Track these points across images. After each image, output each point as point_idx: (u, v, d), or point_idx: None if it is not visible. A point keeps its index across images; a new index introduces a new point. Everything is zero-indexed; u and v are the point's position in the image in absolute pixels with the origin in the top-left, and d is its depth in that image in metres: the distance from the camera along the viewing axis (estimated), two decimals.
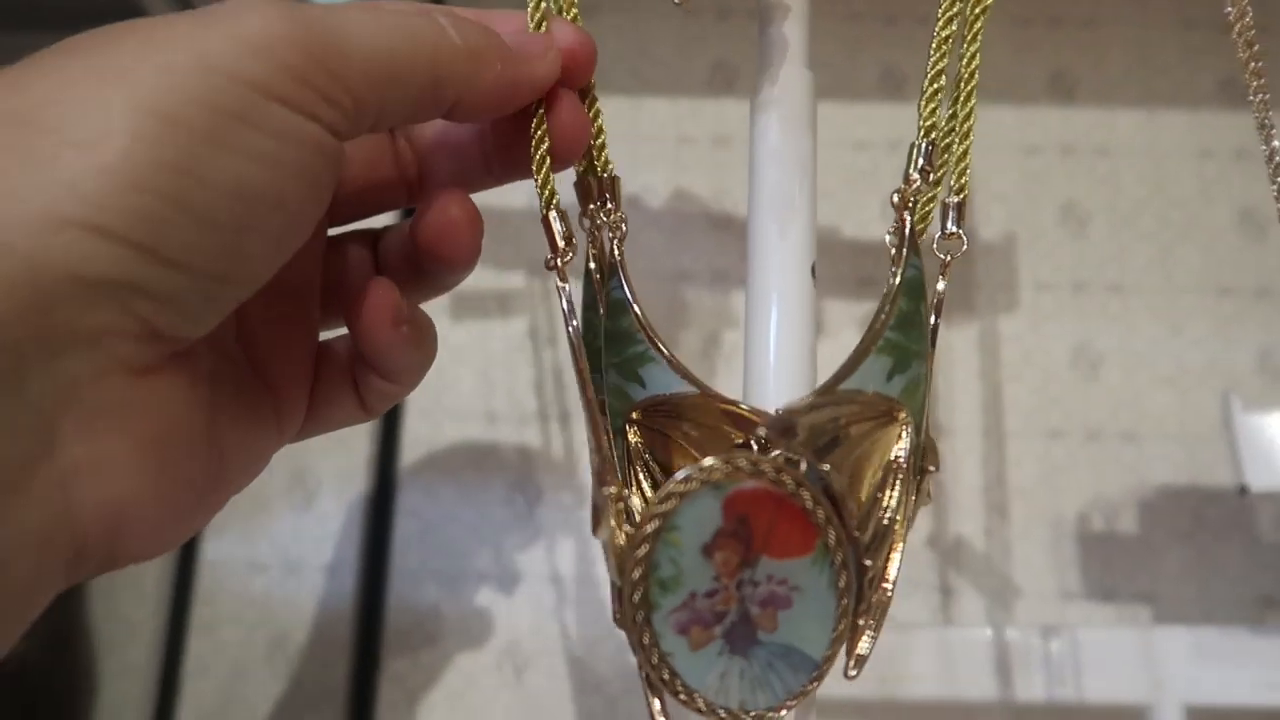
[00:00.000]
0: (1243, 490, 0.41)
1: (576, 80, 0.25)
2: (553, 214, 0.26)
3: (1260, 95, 0.26)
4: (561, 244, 0.26)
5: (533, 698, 0.54)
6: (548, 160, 0.25)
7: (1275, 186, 0.27)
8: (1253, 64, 0.26)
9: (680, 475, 0.21)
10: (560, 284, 0.27)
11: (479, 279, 0.60)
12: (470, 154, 0.26)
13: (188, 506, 0.21)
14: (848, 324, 0.59)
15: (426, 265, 0.25)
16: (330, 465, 0.57)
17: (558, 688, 0.54)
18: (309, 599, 0.55)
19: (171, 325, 0.18)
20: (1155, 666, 0.46)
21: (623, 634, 0.51)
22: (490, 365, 0.59)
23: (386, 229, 0.26)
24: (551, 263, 0.25)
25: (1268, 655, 0.46)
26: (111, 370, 0.17)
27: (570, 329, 0.26)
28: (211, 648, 0.55)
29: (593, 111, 0.28)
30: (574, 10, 0.28)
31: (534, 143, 0.25)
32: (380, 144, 0.25)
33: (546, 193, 0.24)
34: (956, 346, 0.59)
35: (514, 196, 0.62)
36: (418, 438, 0.58)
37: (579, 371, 0.26)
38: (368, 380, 0.26)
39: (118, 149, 0.16)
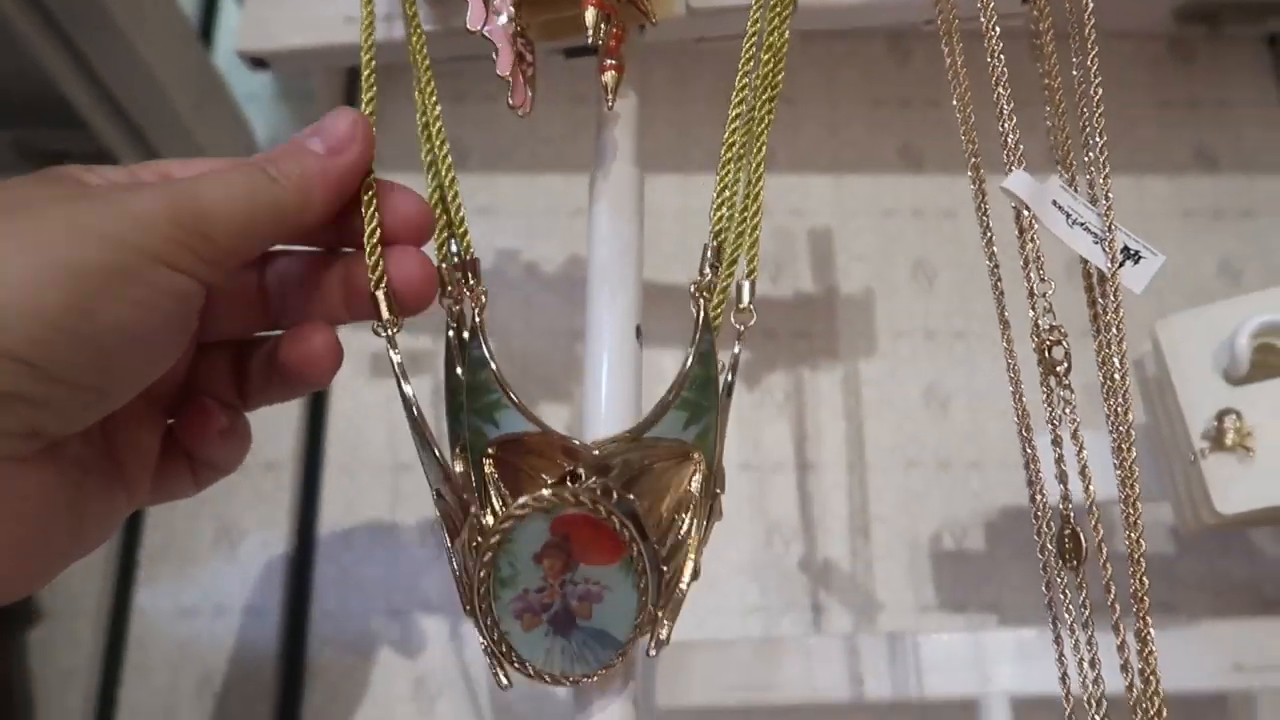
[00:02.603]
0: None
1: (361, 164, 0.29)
2: (380, 293, 0.31)
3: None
4: (388, 317, 0.31)
5: None
6: (378, 238, 0.30)
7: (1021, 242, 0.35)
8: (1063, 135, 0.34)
9: (519, 502, 0.28)
10: (391, 351, 0.32)
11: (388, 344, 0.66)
12: (323, 284, 0.30)
13: (45, 566, 0.26)
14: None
15: (287, 381, 0.30)
16: (253, 516, 0.62)
17: (468, 713, 0.59)
18: (235, 641, 0.60)
19: (51, 427, 0.23)
20: (984, 665, 0.53)
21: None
22: (400, 421, 0.64)
23: (255, 340, 0.31)
24: (381, 332, 0.31)
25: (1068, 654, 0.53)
26: None
27: (403, 391, 0.32)
28: (144, 691, 0.59)
29: (455, 200, 0.35)
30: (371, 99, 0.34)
31: (367, 223, 0.30)
32: (246, 279, 0.30)
33: (377, 274, 0.30)
34: (823, 389, 0.66)
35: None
36: (335, 489, 0.63)
37: (413, 423, 0.32)
38: (197, 466, 0.31)
39: (29, 292, 0.21)
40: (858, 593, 0.62)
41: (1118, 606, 0.30)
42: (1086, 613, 0.31)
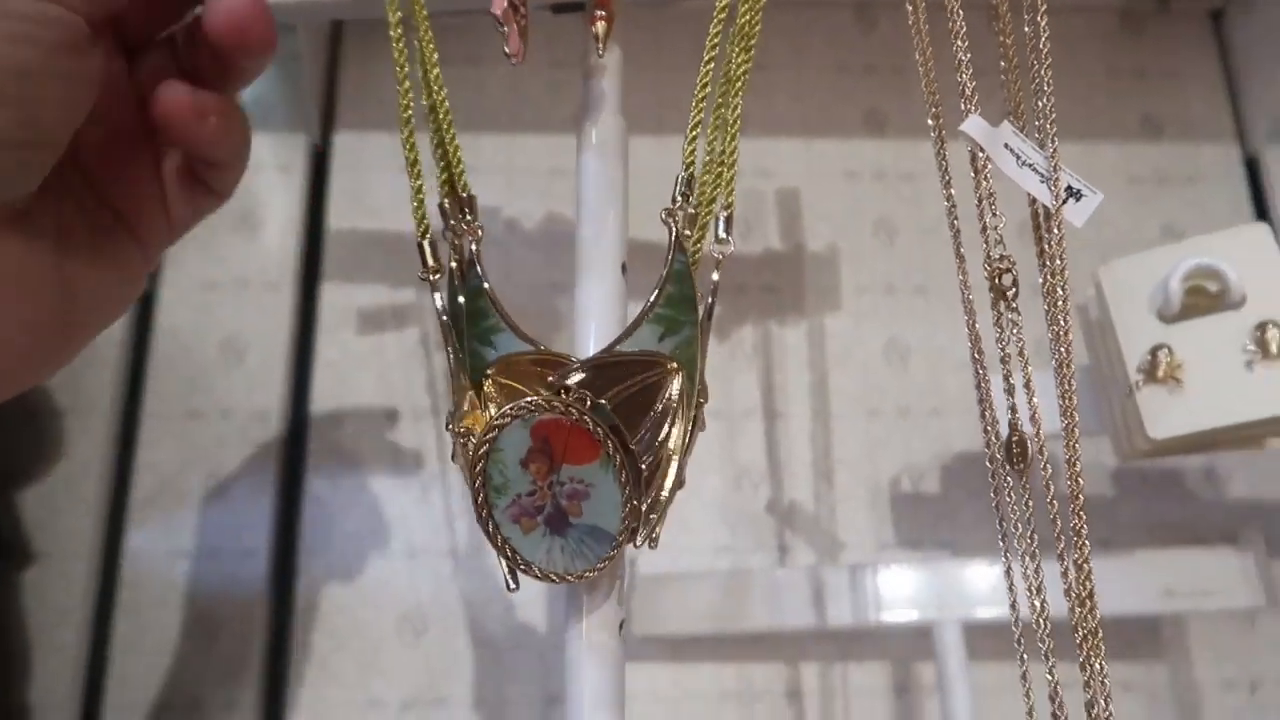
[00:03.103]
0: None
1: None
2: (425, 242, 0.35)
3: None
4: (431, 264, 0.35)
5: (431, 656, 0.62)
6: (424, 199, 0.33)
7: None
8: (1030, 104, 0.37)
9: (498, 413, 0.30)
10: (433, 291, 0.35)
11: (378, 295, 0.69)
12: None
13: (44, 347, 0.26)
14: None
15: (224, 56, 0.28)
16: (243, 463, 0.64)
17: (453, 646, 0.62)
18: (226, 581, 0.62)
19: None
20: (938, 594, 0.56)
21: (508, 596, 0.61)
22: (388, 370, 0.67)
23: (176, 31, 0.30)
24: (424, 276, 0.35)
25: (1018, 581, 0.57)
26: None
27: (440, 320, 0.35)
28: (137, 628, 0.61)
29: (452, 142, 0.37)
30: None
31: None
32: None
33: (421, 226, 0.33)
34: (789, 341, 0.69)
35: (406, 221, 0.71)
36: (322, 435, 0.66)
37: (447, 344, 0.35)
38: (204, 171, 0.29)
39: None
40: (821, 533, 0.65)
41: (1061, 539, 0.33)
42: (1033, 544, 0.34)
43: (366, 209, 0.71)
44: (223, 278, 0.68)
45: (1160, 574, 0.56)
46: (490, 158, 0.72)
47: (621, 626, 0.36)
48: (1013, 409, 0.34)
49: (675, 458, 0.33)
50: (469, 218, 0.37)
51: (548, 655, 0.62)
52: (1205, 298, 0.45)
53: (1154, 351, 0.44)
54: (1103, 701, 0.31)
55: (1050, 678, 0.33)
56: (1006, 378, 0.34)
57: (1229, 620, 0.65)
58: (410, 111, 0.38)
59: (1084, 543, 0.34)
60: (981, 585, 0.57)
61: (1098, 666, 0.32)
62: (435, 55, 0.39)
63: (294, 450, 0.65)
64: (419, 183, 0.37)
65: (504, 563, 0.32)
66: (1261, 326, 0.43)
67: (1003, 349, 0.34)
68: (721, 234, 0.37)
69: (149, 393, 0.65)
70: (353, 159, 0.72)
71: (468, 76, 0.74)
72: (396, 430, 0.66)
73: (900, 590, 0.57)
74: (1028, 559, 0.35)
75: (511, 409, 0.30)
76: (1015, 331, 0.34)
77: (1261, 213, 0.73)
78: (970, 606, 0.56)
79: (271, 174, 0.71)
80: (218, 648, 0.61)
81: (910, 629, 0.57)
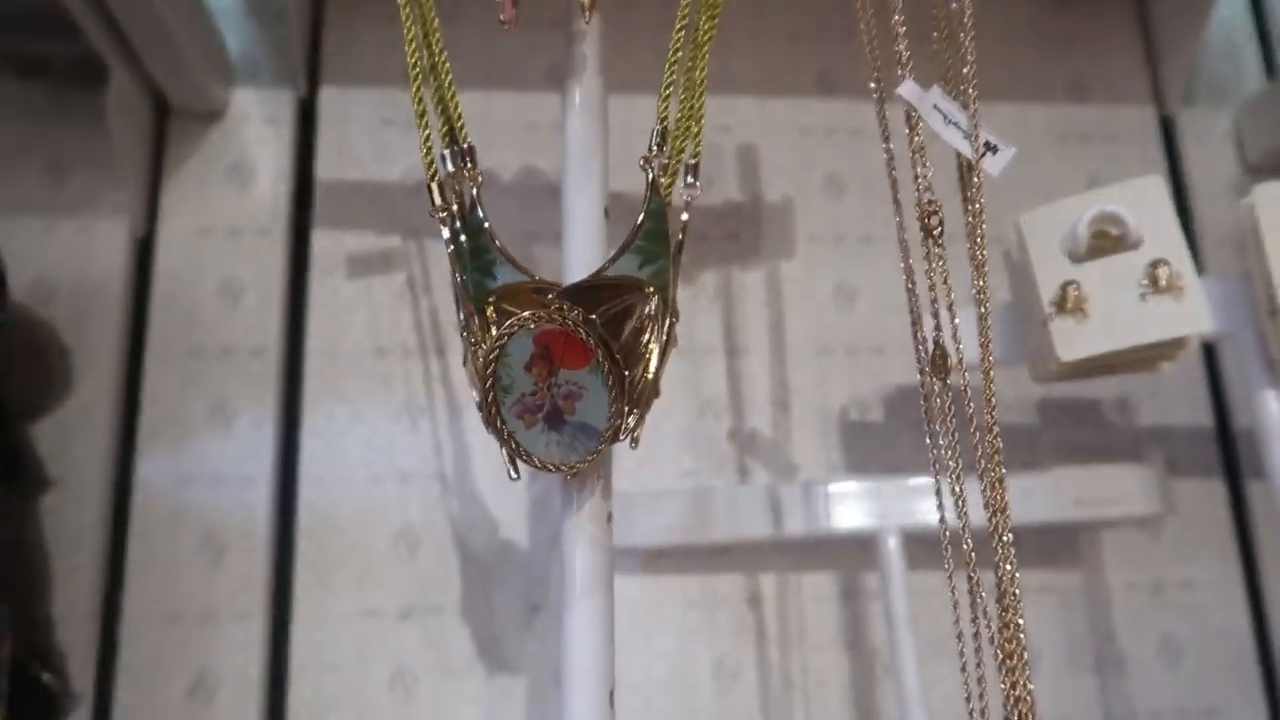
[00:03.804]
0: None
1: None
2: (434, 184, 0.40)
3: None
4: (440, 203, 0.40)
5: (423, 570, 0.68)
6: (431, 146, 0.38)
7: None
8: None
9: (507, 323, 0.36)
10: (442, 226, 0.41)
11: (365, 242, 0.74)
12: None
13: None
14: None
15: None
16: (244, 396, 0.69)
17: (444, 561, 0.68)
18: (232, 505, 0.67)
19: None
20: (881, 505, 0.64)
21: (494, 517, 0.68)
22: (377, 311, 0.72)
23: None
24: (434, 214, 0.40)
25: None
26: None
27: (449, 251, 0.40)
28: (149, 550, 0.66)
29: (453, 98, 0.42)
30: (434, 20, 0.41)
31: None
32: None
33: (431, 170, 0.38)
34: (748, 284, 0.75)
35: (391, 172, 0.75)
36: (318, 373, 0.71)
37: (455, 271, 0.40)
38: None
39: None
40: (778, 457, 0.72)
41: (982, 462, 0.40)
42: (958, 462, 0.40)
43: (351, 160, 0.75)
44: (217, 224, 0.72)
45: (1073, 487, 0.64)
46: (466, 113, 0.76)
47: (609, 518, 0.42)
48: (937, 328, 0.40)
49: (652, 368, 0.39)
50: (470, 166, 0.42)
51: (531, 569, 0.68)
52: (1109, 240, 0.52)
53: (1064, 287, 0.51)
54: (1014, 592, 0.38)
55: (972, 575, 0.40)
56: (933, 303, 0.40)
57: (1136, 532, 0.73)
58: (418, 68, 0.43)
59: (997, 454, 0.40)
60: (918, 500, 0.64)
61: (1009, 566, 0.39)
62: (435, 17, 0.44)
63: (291, 386, 0.70)
64: (427, 132, 0.42)
65: (507, 453, 0.38)
66: (1154, 264, 0.50)
67: (930, 280, 0.40)
68: (689, 180, 0.43)
69: (152, 332, 0.70)
70: (338, 112, 0.76)
71: (444, 34, 0.78)
72: (386, 366, 0.71)
73: (847, 503, 0.64)
74: (954, 473, 0.41)
75: (519, 320, 0.36)
76: (941, 265, 0.40)
77: (1174, 167, 0.81)
78: (908, 517, 0.63)
79: (260, 126, 0.75)
80: (225, 566, 0.66)
81: (856, 538, 0.64)
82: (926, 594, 0.69)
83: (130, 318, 0.70)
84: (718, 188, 0.78)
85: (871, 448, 0.73)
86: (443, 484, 0.69)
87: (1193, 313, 0.49)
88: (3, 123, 0.72)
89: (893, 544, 0.63)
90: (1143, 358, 0.51)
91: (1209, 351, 0.77)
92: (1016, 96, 0.82)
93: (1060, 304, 0.51)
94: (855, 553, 0.70)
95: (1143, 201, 0.51)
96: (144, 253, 0.71)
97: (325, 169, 0.75)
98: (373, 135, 0.76)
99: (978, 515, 0.59)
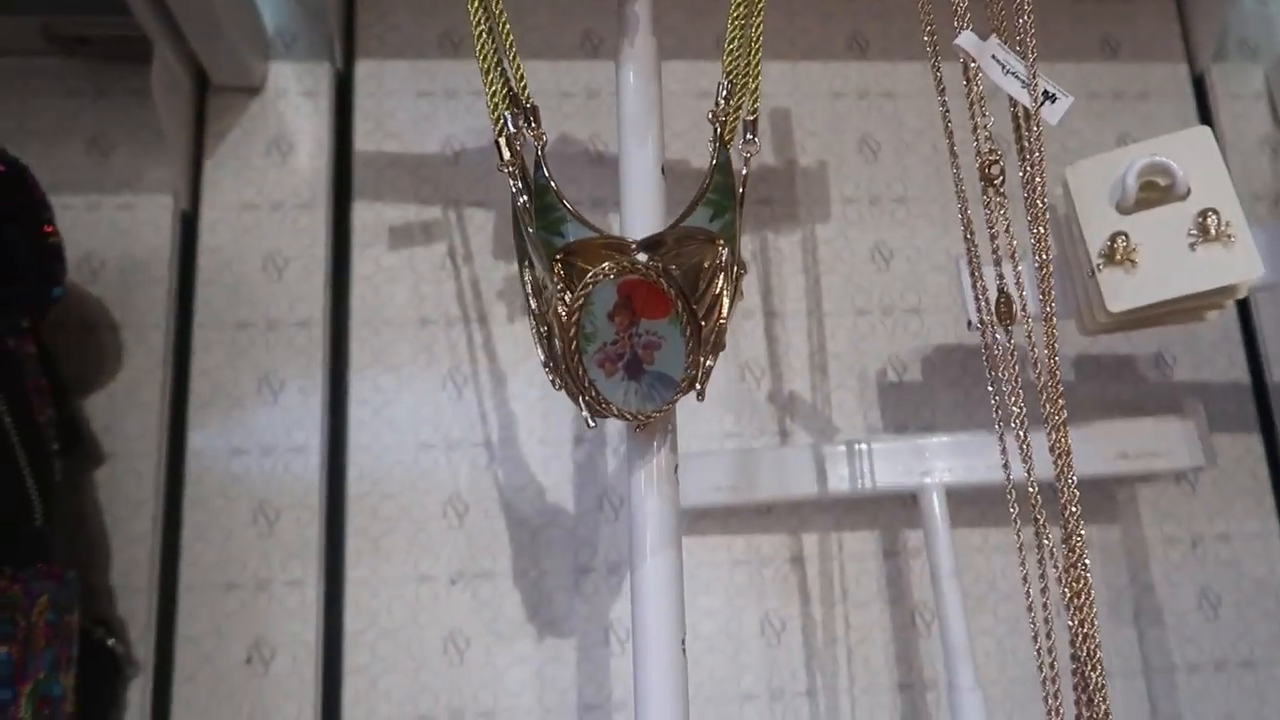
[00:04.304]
0: (969, 325, 0.59)
1: None
2: (501, 139, 0.41)
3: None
4: (508, 156, 0.41)
5: (472, 536, 0.69)
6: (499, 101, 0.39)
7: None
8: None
9: (593, 272, 0.37)
10: (510, 182, 0.41)
11: (406, 214, 0.74)
12: None
13: None
14: None
15: None
16: (291, 367, 0.70)
17: (492, 526, 0.69)
18: (283, 473, 0.68)
19: None
20: (924, 462, 0.64)
21: (539, 482, 0.69)
22: (420, 281, 0.73)
23: None
24: (501, 167, 0.41)
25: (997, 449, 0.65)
26: None
27: (518, 205, 0.41)
28: (205, 517, 0.67)
29: (515, 59, 0.43)
30: None
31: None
32: None
33: (499, 125, 0.39)
34: (784, 248, 0.76)
35: (428, 143, 0.76)
36: (363, 343, 0.72)
37: (524, 229, 0.41)
38: None
39: None
40: (818, 418, 0.73)
41: (1047, 407, 0.41)
42: (1022, 411, 0.41)
43: (388, 132, 0.76)
44: (259, 199, 0.73)
45: (1115, 441, 0.65)
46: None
47: (676, 469, 0.43)
48: (1000, 276, 0.41)
49: (724, 318, 0.40)
50: (534, 125, 0.43)
51: (578, 531, 0.69)
52: (1157, 191, 0.52)
53: (1112, 238, 0.51)
54: (1080, 534, 0.39)
55: (1040, 520, 0.40)
56: (995, 251, 0.41)
57: (1173, 487, 0.74)
58: (481, 26, 0.43)
59: (1060, 400, 0.41)
60: (960, 456, 0.64)
61: (1074, 509, 0.40)
62: None
63: (337, 356, 0.71)
64: (493, 89, 0.42)
65: (585, 401, 0.38)
66: (1203, 213, 0.50)
67: (992, 229, 0.41)
68: (748, 137, 0.43)
69: (199, 306, 0.71)
70: (374, 85, 0.76)
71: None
72: (430, 335, 0.72)
73: (891, 461, 0.65)
74: (1018, 424, 0.42)
75: (603, 270, 0.36)
76: (1003, 213, 0.40)
77: (1207, 124, 0.81)
78: (952, 474, 0.64)
79: (298, 100, 0.75)
80: (279, 534, 0.67)
81: (896, 496, 0.65)
82: (967, 550, 0.70)
83: (177, 292, 0.71)
84: None
85: (909, 408, 0.74)
86: (489, 450, 0.70)
87: (1244, 260, 0.49)
88: (45, 100, 0.72)
89: (936, 500, 0.63)
90: (1189, 308, 0.52)
91: (1244, 307, 0.78)
92: (1047, 55, 0.82)
93: (1109, 255, 0.51)
94: (895, 510, 0.71)
95: (1191, 152, 0.52)
96: (188, 227, 0.72)
97: (363, 141, 0.75)
98: (410, 107, 0.76)
99: (1018, 469, 0.60)
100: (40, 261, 0.57)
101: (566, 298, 0.38)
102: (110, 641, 0.61)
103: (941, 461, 0.64)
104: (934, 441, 0.65)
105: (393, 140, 0.75)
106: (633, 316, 0.37)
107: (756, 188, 0.77)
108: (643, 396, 0.38)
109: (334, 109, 0.75)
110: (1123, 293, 0.51)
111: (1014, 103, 0.43)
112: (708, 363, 0.39)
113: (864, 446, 0.65)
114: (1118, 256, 0.51)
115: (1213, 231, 0.50)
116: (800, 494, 0.65)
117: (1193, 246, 0.50)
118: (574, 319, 0.37)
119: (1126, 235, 0.51)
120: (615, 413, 0.38)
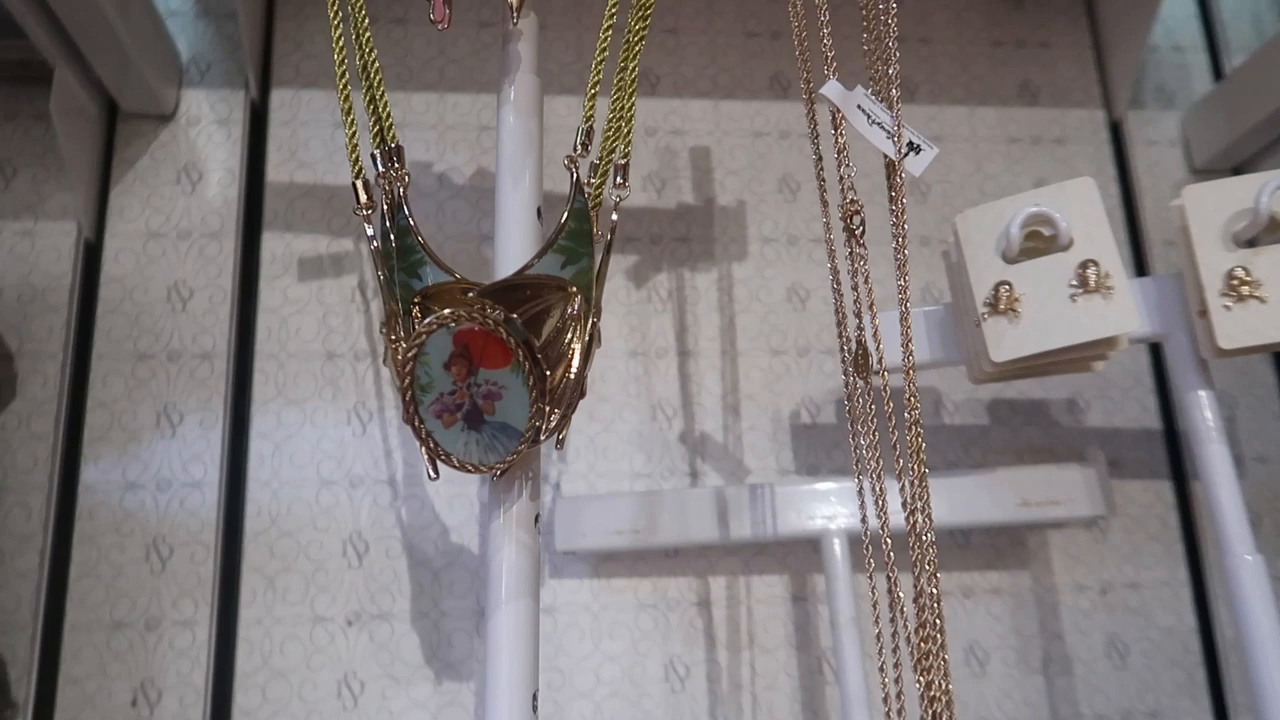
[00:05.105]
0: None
1: None
2: (358, 181, 0.40)
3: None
4: (365, 199, 0.40)
5: (371, 575, 0.67)
6: (358, 149, 0.39)
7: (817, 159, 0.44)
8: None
9: (426, 321, 0.36)
10: (366, 225, 0.41)
11: (316, 245, 0.73)
12: None
13: None
14: (615, 272, 0.75)
15: None
16: (191, 400, 0.69)
17: (393, 566, 0.68)
18: (179, 509, 0.67)
19: None
20: (827, 506, 0.64)
21: (443, 521, 0.67)
22: (328, 314, 0.72)
23: None
24: (358, 211, 0.40)
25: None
26: None
27: (371, 248, 0.40)
28: (94, 554, 0.66)
29: (382, 98, 0.42)
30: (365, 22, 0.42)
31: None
32: None
33: (356, 167, 0.39)
34: (700, 286, 0.76)
35: (342, 175, 0.75)
36: (266, 376, 0.70)
37: (379, 269, 0.40)
38: None
39: None
40: (729, 459, 0.72)
41: (899, 461, 0.40)
42: (879, 465, 0.41)
43: (302, 162, 0.75)
44: (166, 228, 0.72)
45: (1017, 488, 0.64)
46: (421, 114, 0.77)
47: (537, 520, 0.42)
48: (859, 327, 0.40)
49: (575, 368, 0.39)
50: (396, 165, 0.42)
51: (481, 572, 0.68)
52: (1043, 241, 0.52)
53: (997, 287, 0.51)
54: (932, 592, 0.38)
55: (891, 575, 0.40)
56: (855, 303, 0.40)
57: (1084, 533, 0.74)
58: (345, 68, 0.43)
59: (919, 453, 0.40)
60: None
61: (929, 566, 0.39)
62: (366, 19, 0.44)
63: (240, 389, 0.70)
64: (353, 130, 0.42)
65: (426, 453, 0.38)
66: (1084, 265, 0.50)
67: (853, 279, 0.41)
68: (619, 180, 0.43)
69: (98, 336, 0.69)
70: (289, 114, 0.76)
71: (396, 36, 0.78)
72: (336, 369, 0.71)
73: (793, 505, 0.64)
74: (875, 473, 0.41)
75: (437, 318, 0.36)
76: (864, 264, 0.40)
77: (1123, 170, 0.81)
78: (853, 519, 0.63)
79: (211, 128, 0.74)
80: (171, 571, 0.66)
81: (804, 540, 0.65)
82: (872, 596, 0.69)
83: (77, 322, 0.69)
84: (671, 190, 0.78)
85: (822, 450, 0.73)
86: (392, 488, 0.69)
87: (1121, 313, 0.49)
88: None
89: (837, 546, 0.63)
90: (1076, 358, 0.52)
91: (1156, 352, 0.78)
92: (967, 99, 0.82)
93: (994, 304, 0.51)
94: (804, 555, 0.70)
95: (1075, 202, 0.52)
96: (91, 257, 0.71)
97: (276, 171, 0.74)
98: (325, 137, 0.75)
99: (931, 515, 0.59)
100: None
101: (401, 346, 0.37)
102: None
103: (844, 507, 0.64)
104: (837, 486, 0.65)
105: (306, 170, 0.75)
106: (470, 366, 0.36)
107: (675, 225, 0.77)
108: (484, 447, 0.38)
109: (247, 138, 0.75)
110: (1005, 342, 0.51)
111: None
112: (560, 412, 0.39)
113: (767, 490, 0.65)
114: (1001, 306, 0.51)
115: (1092, 283, 0.50)
116: (702, 538, 0.65)
117: (1073, 298, 0.50)
118: (408, 369, 0.36)
119: (1010, 285, 0.51)
120: (456, 464, 0.38)
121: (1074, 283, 0.50)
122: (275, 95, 0.76)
